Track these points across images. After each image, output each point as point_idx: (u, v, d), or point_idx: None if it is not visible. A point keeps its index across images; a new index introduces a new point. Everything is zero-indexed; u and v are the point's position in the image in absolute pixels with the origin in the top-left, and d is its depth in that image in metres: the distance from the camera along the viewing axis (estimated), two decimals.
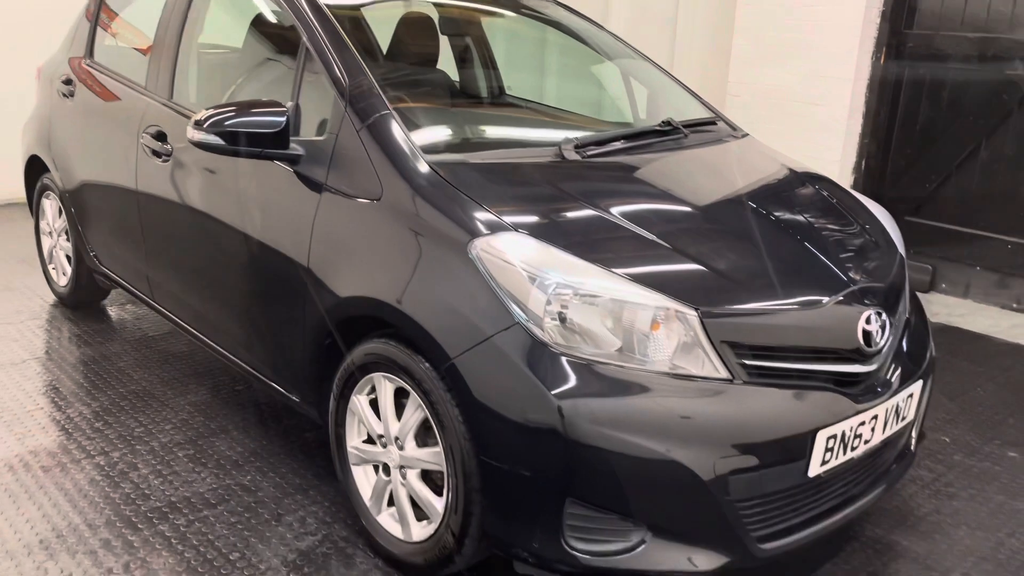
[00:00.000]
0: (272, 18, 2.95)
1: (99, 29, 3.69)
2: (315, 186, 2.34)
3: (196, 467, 2.72)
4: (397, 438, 2.16)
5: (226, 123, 2.30)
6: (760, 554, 1.95)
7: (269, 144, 2.34)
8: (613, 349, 1.88)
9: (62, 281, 4.01)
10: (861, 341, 2.07)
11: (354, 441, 2.31)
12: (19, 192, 4.35)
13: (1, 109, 5.34)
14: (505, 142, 2.78)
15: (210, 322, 2.94)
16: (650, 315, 1.89)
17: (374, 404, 2.24)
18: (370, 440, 2.28)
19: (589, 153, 2.47)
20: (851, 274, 2.21)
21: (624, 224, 2.15)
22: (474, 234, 2.01)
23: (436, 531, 2.10)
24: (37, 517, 2.44)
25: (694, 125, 2.88)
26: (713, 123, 3.00)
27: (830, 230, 2.47)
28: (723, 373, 1.91)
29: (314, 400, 2.48)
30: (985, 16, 4.48)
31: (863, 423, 2.05)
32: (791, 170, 2.80)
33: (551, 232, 2.06)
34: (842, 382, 2.05)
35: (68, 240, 3.84)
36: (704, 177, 2.61)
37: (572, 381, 1.84)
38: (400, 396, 2.16)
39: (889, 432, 2.17)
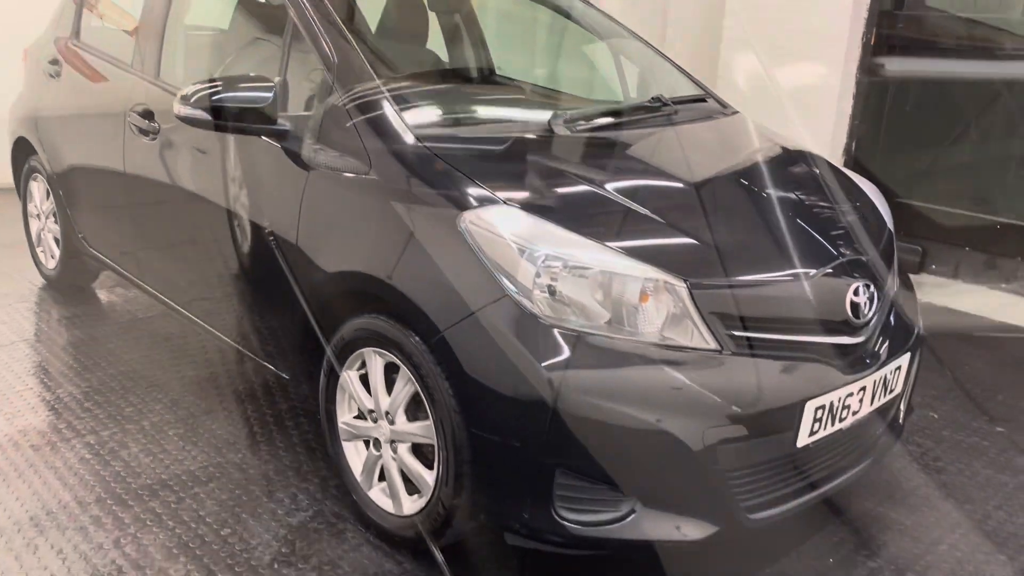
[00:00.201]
0: None
1: (85, 11, 3.66)
2: (303, 162, 2.33)
3: (187, 446, 2.71)
4: (387, 413, 2.16)
5: (213, 98, 2.29)
6: (749, 524, 1.96)
7: (256, 120, 2.33)
8: (603, 321, 1.88)
9: (50, 264, 3.99)
10: (849, 313, 2.08)
11: (345, 417, 2.31)
12: (5, 178, 4.31)
13: None
14: (494, 119, 2.77)
15: (199, 302, 2.94)
16: (639, 287, 1.89)
17: (364, 380, 2.24)
18: (361, 415, 2.28)
19: (579, 128, 2.47)
20: (840, 247, 2.22)
21: (613, 197, 2.15)
22: (463, 207, 2.01)
23: (427, 504, 2.10)
24: (27, 495, 2.43)
25: (684, 102, 2.87)
26: (703, 100, 3.00)
27: (819, 205, 2.47)
28: (712, 344, 1.91)
29: (304, 377, 2.48)
30: None
31: (851, 394, 2.06)
32: (781, 146, 2.80)
33: (540, 205, 2.06)
34: (830, 353, 2.05)
35: (56, 222, 3.81)
36: (694, 152, 2.60)
37: (562, 353, 1.84)
38: (390, 371, 2.16)
39: (877, 404, 2.18)
